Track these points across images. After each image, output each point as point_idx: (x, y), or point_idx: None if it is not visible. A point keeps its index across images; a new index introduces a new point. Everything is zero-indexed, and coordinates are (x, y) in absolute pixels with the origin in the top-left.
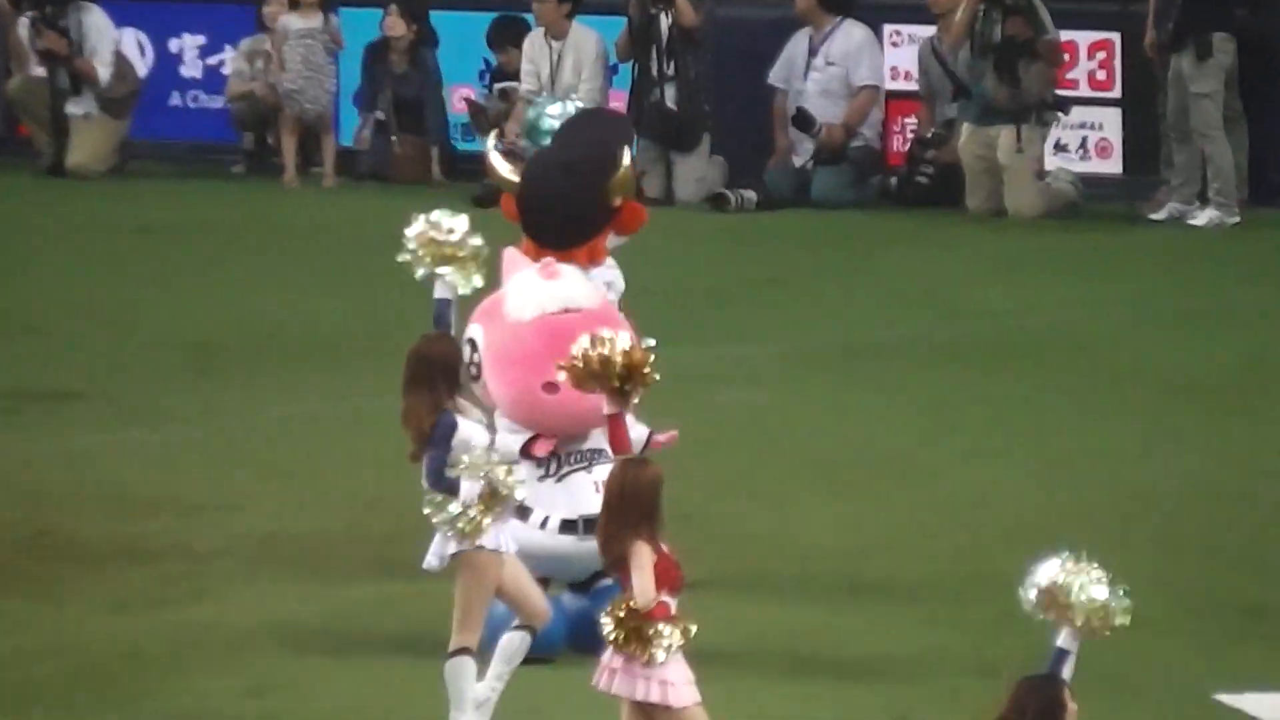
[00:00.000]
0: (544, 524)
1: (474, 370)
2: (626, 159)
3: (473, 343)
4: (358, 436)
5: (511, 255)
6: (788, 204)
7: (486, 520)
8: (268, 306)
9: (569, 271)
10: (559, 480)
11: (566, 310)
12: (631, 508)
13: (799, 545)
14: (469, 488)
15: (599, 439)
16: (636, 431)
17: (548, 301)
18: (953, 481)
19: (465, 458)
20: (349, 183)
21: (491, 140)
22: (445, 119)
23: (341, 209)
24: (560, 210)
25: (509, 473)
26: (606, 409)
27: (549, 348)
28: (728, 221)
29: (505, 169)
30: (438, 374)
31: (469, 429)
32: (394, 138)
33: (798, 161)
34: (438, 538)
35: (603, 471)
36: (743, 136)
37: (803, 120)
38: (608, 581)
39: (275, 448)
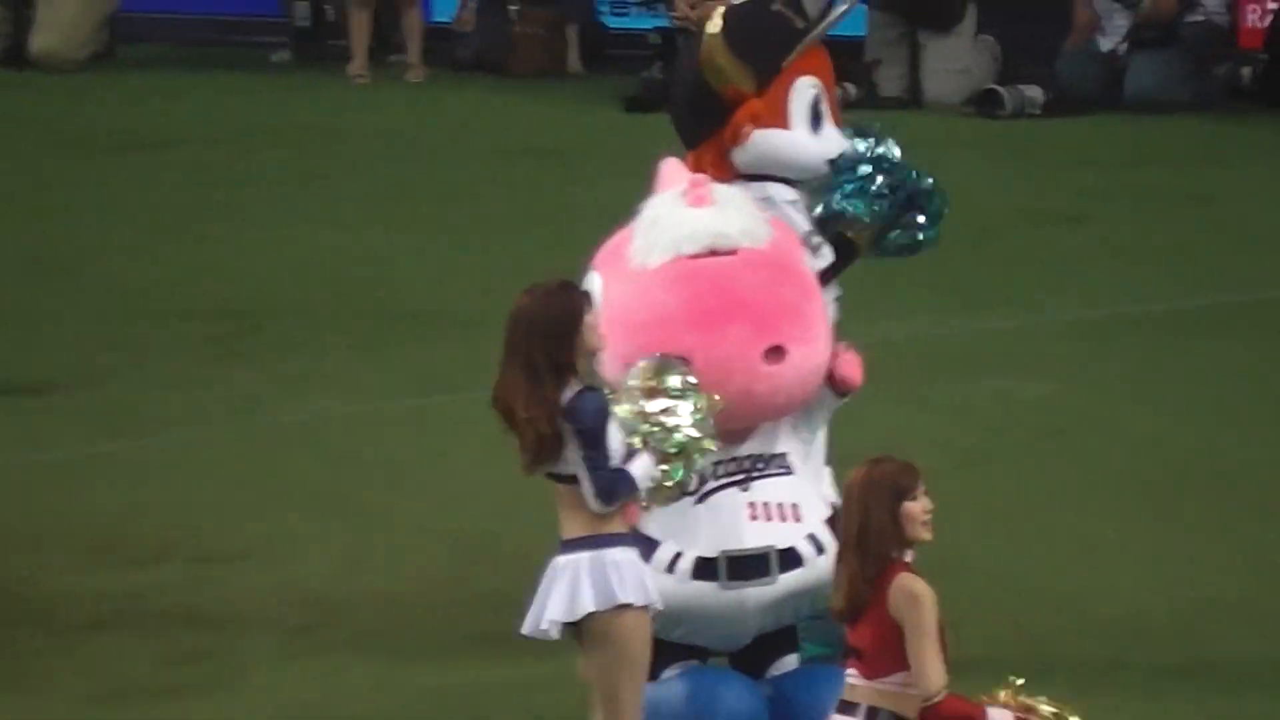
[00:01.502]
0: (673, 564)
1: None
2: (711, 29)
3: (588, 298)
4: (446, 449)
5: (672, 169)
6: (1091, 105)
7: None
8: (319, 261)
9: (727, 195)
10: (700, 499)
11: (715, 252)
12: (877, 530)
13: (1113, 604)
14: (644, 467)
15: (763, 441)
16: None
17: (686, 238)
18: None
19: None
20: (445, 75)
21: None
22: None
23: (433, 114)
24: (677, 94)
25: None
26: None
27: (686, 306)
28: (1001, 130)
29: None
30: (541, 343)
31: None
32: (512, 9)
33: (1106, 44)
34: (553, 591)
35: (767, 488)
36: (1024, 7)
37: None
38: (791, 660)
39: (325, 465)
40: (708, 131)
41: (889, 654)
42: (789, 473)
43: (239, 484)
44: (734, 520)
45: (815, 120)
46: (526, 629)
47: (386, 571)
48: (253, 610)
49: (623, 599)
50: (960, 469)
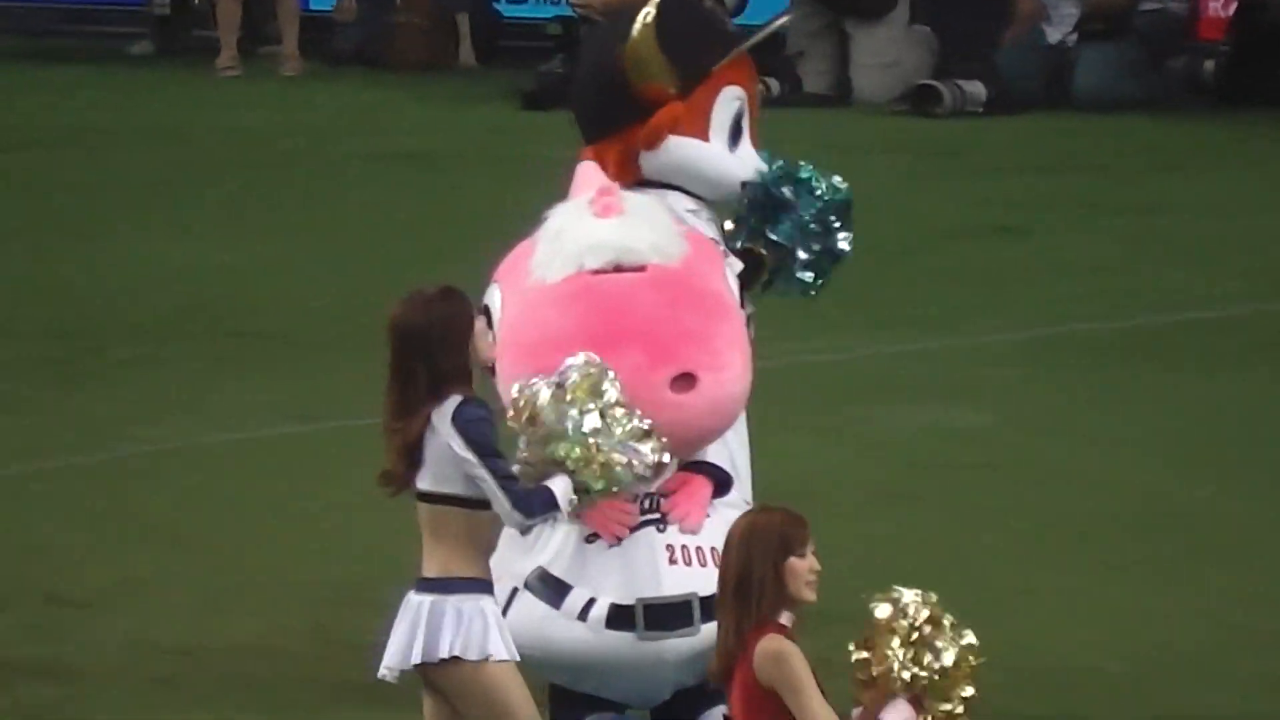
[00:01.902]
0: (585, 611)
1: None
2: (643, 20)
3: (487, 313)
4: (310, 483)
5: (588, 173)
6: (1035, 102)
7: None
8: (171, 276)
9: (639, 205)
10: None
11: (620, 268)
12: (758, 585)
13: (1051, 657)
14: (563, 487)
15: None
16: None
17: (590, 251)
18: None
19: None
20: (323, 69)
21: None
22: None
23: (305, 112)
24: (582, 83)
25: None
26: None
27: (578, 327)
28: (935, 131)
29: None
30: (420, 353)
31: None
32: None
33: (1053, 35)
34: (394, 632)
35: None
36: None
37: None
38: (717, 715)
39: (177, 501)
40: (614, 128)
41: None
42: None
43: (83, 522)
44: (651, 564)
45: (735, 134)
46: (380, 672)
47: (247, 618)
48: (105, 661)
49: (448, 653)
50: (881, 508)
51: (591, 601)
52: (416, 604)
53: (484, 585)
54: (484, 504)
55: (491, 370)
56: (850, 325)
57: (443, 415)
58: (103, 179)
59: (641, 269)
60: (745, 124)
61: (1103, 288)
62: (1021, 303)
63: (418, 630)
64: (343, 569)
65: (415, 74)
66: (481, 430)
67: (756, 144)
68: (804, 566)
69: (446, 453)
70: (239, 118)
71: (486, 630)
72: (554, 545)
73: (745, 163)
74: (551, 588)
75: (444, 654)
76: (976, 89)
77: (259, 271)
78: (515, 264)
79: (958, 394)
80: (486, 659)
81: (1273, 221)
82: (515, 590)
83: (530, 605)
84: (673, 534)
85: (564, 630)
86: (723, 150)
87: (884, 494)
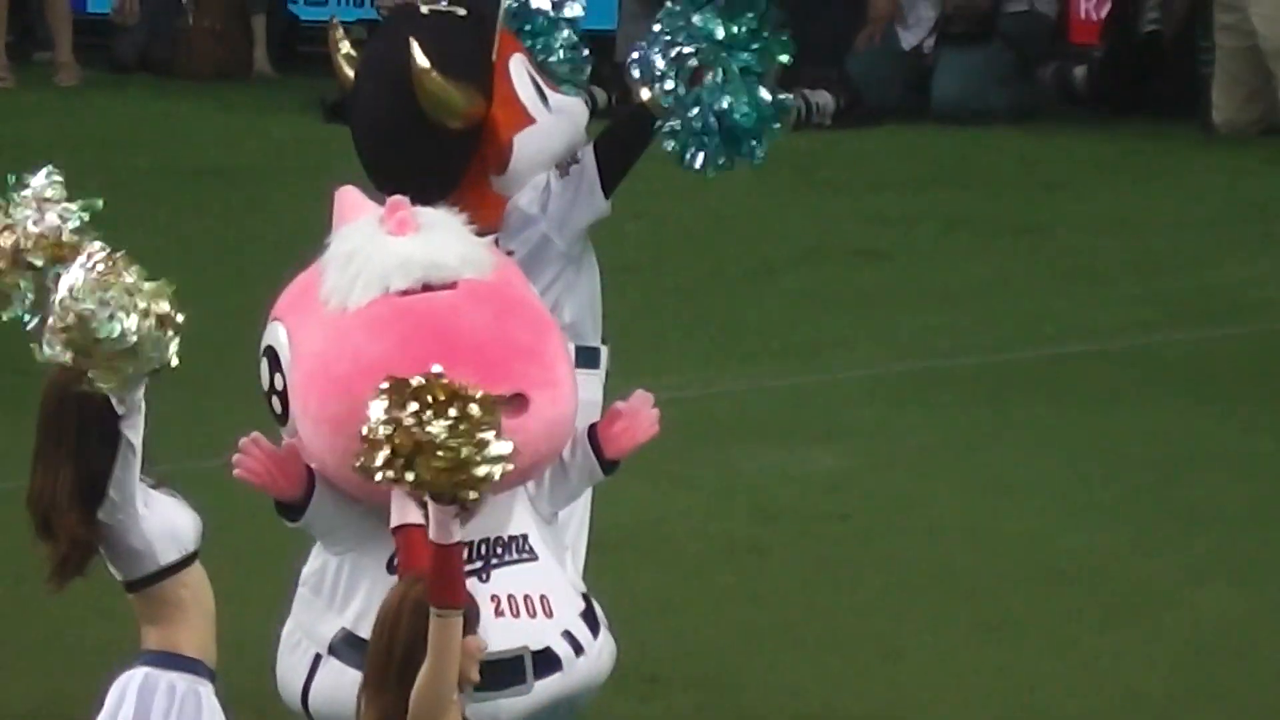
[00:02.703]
0: None
1: (275, 406)
2: (419, 68)
3: (272, 356)
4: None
5: (351, 198)
6: (890, 113)
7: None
8: None
9: (436, 219)
10: None
11: (429, 286)
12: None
13: None
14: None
15: (497, 520)
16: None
17: (395, 271)
18: (1200, 611)
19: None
20: (103, 78)
21: (334, 26)
22: None
23: (83, 125)
24: (382, 147)
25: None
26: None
27: (399, 352)
28: (780, 145)
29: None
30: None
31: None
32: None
33: (909, 39)
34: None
35: (510, 578)
36: None
37: None
38: None
39: None
40: (457, 175)
41: None
42: (534, 558)
43: None
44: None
45: (541, 93)
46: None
47: (29, 683)
48: None
49: None
50: (729, 560)
51: None
52: (125, 677)
53: (203, 667)
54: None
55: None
56: (697, 359)
57: None
58: None
59: (453, 285)
60: (538, 77)
61: (975, 316)
62: (885, 333)
63: (123, 706)
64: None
65: (207, 82)
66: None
67: (552, 86)
68: (475, 645)
69: None
70: (14, 129)
71: (199, 715)
72: (356, 604)
73: (572, 112)
74: (360, 650)
75: None
76: (823, 99)
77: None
78: (302, 295)
79: (814, 434)
80: None
81: (1160, 243)
82: (319, 656)
83: (338, 672)
84: (496, 583)
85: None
86: (548, 115)
87: (732, 545)
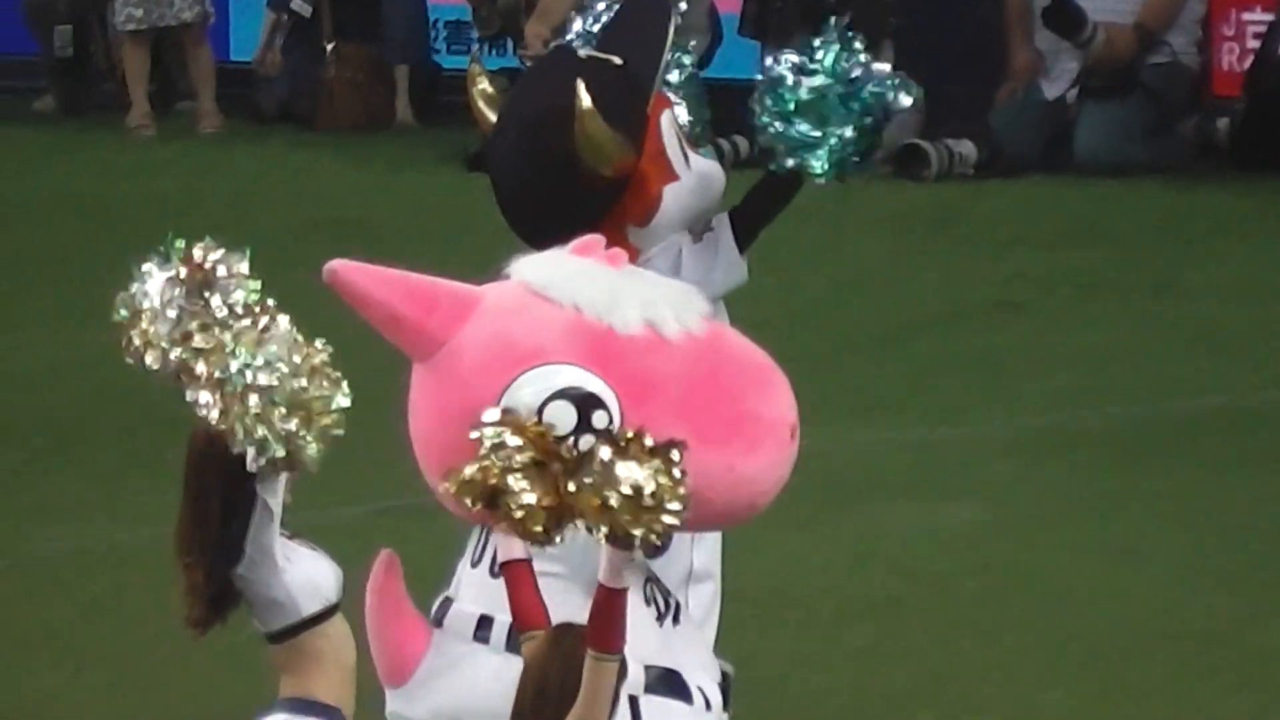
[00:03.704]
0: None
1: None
2: (583, 107)
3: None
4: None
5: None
6: (1031, 165)
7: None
8: (74, 363)
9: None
10: None
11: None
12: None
13: None
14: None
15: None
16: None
17: (633, 305)
18: None
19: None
20: (246, 127)
21: (474, 61)
22: (421, 17)
23: (222, 176)
24: (521, 195)
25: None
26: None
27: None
28: (920, 198)
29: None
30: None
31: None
32: (328, 49)
33: (1051, 91)
34: None
35: None
36: (948, 45)
37: (1063, 16)
38: None
39: (95, 610)
40: (597, 224)
41: None
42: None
43: None
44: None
45: (684, 156)
46: None
47: None
48: None
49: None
50: (863, 617)
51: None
52: None
53: (338, 714)
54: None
55: None
56: (833, 416)
57: None
58: (4, 254)
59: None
60: (682, 137)
61: (1109, 375)
62: (1020, 391)
63: None
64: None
65: (348, 133)
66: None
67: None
68: None
69: None
70: (154, 184)
71: None
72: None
73: (709, 170)
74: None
75: None
76: (967, 149)
77: None
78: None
79: (950, 492)
80: None
81: None
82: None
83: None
84: None
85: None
86: (691, 176)
87: (866, 602)
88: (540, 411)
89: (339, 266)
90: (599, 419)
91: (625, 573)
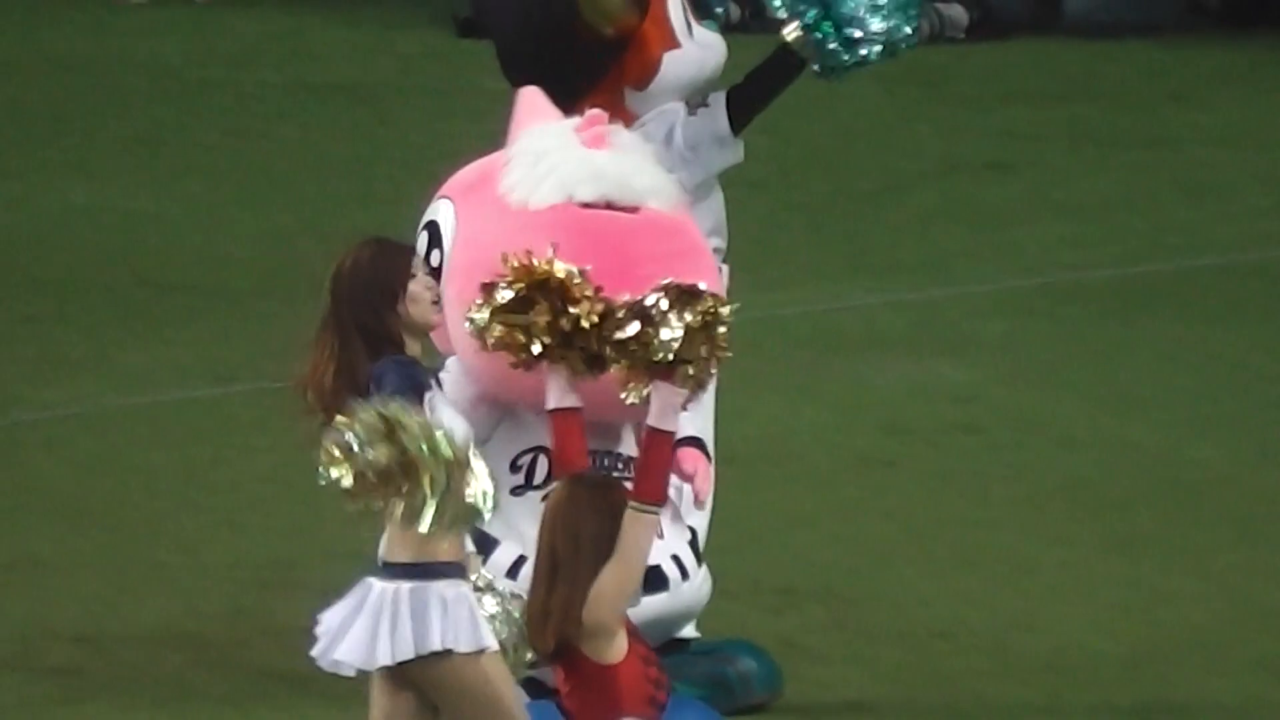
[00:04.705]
0: (514, 568)
1: (429, 289)
2: None
3: (434, 231)
4: (227, 452)
5: (534, 99)
6: (1023, 27)
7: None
8: (69, 221)
9: (629, 142)
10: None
11: (610, 205)
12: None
13: (1045, 638)
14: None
15: (607, 438)
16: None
17: (584, 181)
18: None
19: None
20: None
21: None
22: None
23: (217, 41)
24: (524, 42)
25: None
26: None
27: (579, 261)
28: (912, 59)
29: None
30: (361, 307)
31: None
32: None
33: None
34: (357, 622)
35: None
36: None
37: None
38: None
39: (76, 472)
40: (594, 83)
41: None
42: (628, 474)
43: None
44: None
45: (688, 26)
46: (320, 656)
47: (157, 602)
48: (1, 649)
49: (443, 644)
50: (857, 473)
51: (521, 559)
52: (387, 592)
53: (461, 569)
54: None
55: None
56: (826, 274)
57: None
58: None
59: (635, 210)
60: (687, 6)
61: (1105, 229)
62: (1014, 247)
63: (398, 622)
64: (264, 547)
65: None
66: (399, 385)
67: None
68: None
69: None
70: (147, 46)
71: (475, 619)
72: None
73: (712, 42)
74: (475, 542)
75: (436, 647)
76: (956, 12)
77: (171, 216)
78: (479, 182)
79: (944, 348)
80: (481, 650)
81: None
82: None
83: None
84: None
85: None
86: (692, 46)
87: (862, 458)
88: None
89: None
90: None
91: (673, 414)
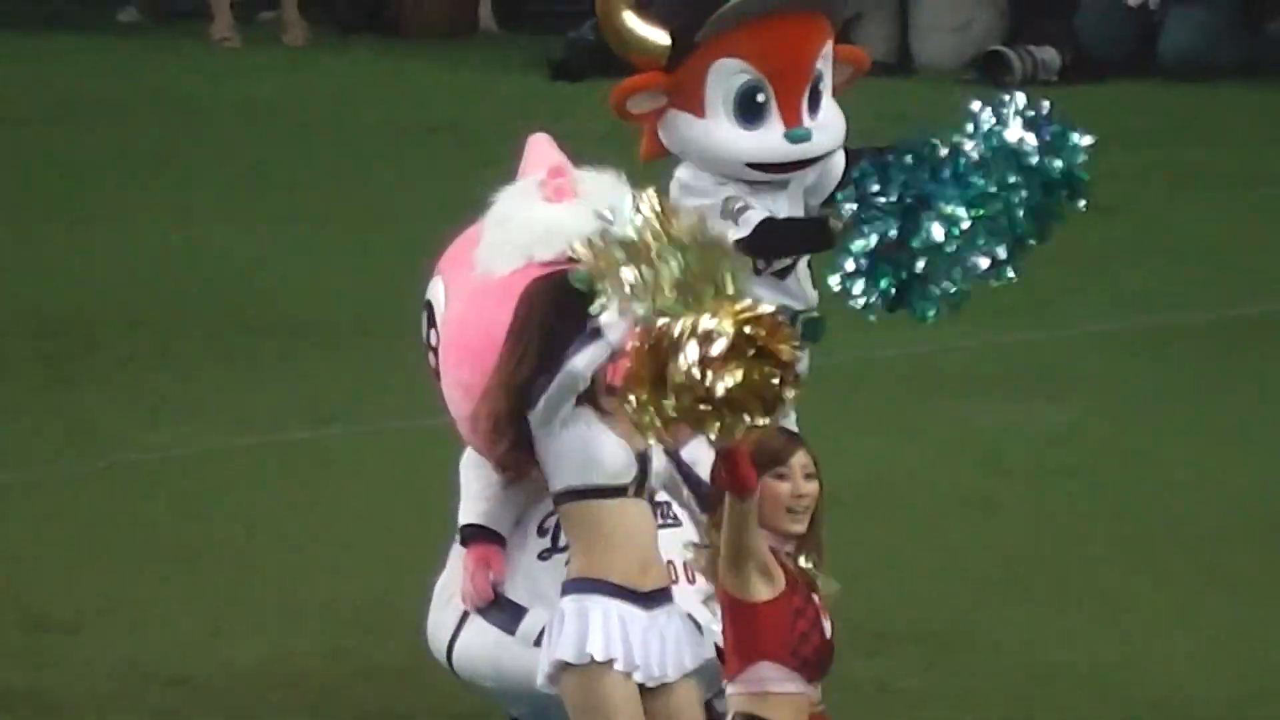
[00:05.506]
0: (542, 637)
1: (431, 360)
2: None
3: (430, 310)
4: (326, 493)
5: (541, 148)
6: (1118, 69)
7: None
8: (172, 262)
9: (595, 188)
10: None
11: (572, 260)
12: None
13: (1147, 680)
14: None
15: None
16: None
17: (539, 240)
18: None
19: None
20: (329, 37)
21: None
22: None
23: (313, 83)
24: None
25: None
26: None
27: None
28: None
29: (643, 27)
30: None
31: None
32: None
33: None
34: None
35: (661, 540)
36: None
37: None
38: None
39: (177, 513)
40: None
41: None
42: (678, 524)
43: (74, 536)
44: None
45: (747, 112)
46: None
47: (256, 642)
48: (95, 691)
49: (603, 654)
50: (957, 514)
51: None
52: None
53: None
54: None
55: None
56: None
57: None
58: (94, 157)
59: None
60: (770, 99)
61: (1206, 270)
62: (1114, 288)
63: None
64: (362, 588)
65: (431, 41)
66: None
67: (796, 120)
68: (785, 490)
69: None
70: (244, 87)
71: (586, 629)
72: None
73: (757, 142)
74: (505, 611)
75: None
76: (1049, 55)
77: (270, 256)
78: (460, 254)
79: (1044, 389)
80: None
81: None
82: (465, 614)
83: (482, 630)
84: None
85: (519, 658)
86: (718, 126)
87: (962, 498)
88: None
89: None
90: None
91: None
